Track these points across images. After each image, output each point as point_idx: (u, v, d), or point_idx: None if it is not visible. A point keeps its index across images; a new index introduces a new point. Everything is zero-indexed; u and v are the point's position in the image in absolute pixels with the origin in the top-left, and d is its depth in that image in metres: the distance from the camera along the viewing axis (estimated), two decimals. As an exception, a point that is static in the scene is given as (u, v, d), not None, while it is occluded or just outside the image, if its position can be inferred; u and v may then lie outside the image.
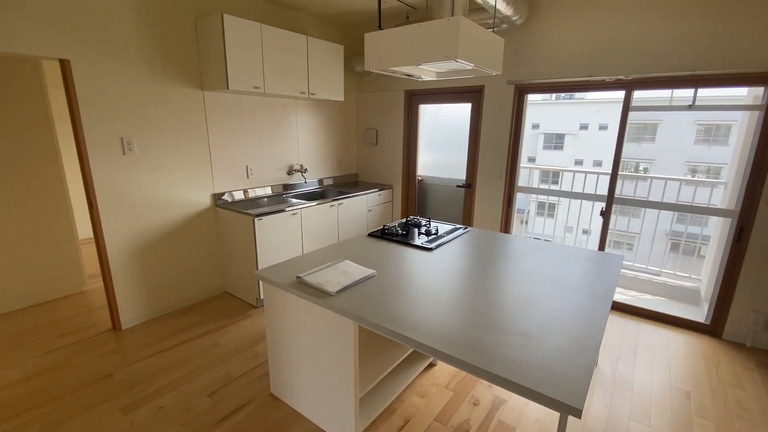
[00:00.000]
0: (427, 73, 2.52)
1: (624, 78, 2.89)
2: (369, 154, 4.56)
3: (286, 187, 3.86)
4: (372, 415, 1.95)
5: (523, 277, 1.94)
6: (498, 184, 3.65)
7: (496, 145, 3.59)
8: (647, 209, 3.93)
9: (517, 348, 1.34)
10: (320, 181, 4.23)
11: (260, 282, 3.09)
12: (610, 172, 3.13)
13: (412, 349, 2.21)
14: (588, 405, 2.13)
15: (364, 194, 3.97)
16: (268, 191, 3.69)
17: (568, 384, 1.16)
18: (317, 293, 1.74)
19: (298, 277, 1.89)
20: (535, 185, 5.63)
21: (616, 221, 4.30)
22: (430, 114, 4.13)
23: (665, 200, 3.34)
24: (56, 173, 3.23)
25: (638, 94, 2.98)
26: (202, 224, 3.23)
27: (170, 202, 2.98)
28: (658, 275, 3.67)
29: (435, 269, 2.03)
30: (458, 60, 1.79)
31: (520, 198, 3.79)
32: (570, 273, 2.01)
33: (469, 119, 3.80)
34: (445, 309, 1.60)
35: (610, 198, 3.16)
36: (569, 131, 18.72)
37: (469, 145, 3.85)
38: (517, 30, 3.28)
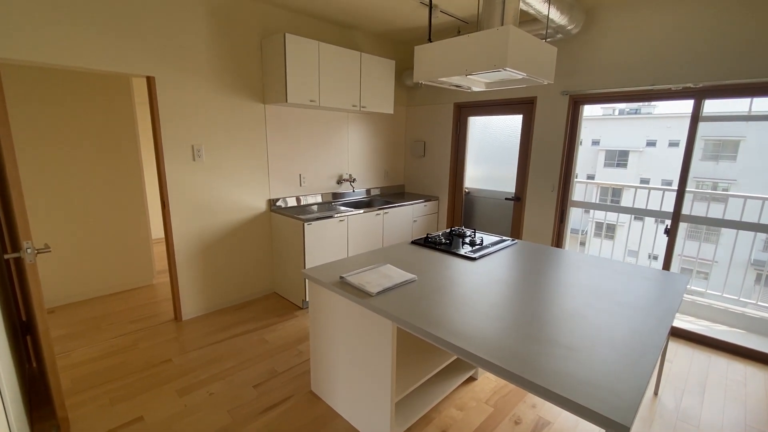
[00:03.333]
0: (477, 83, 2.53)
1: (692, 86, 2.69)
2: (416, 166, 4.62)
3: (335, 195, 4.01)
4: (408, 421, 1.94)
5: (572, 291, 1.85)
6: (550, 198, 3.52)
7: (549, 158, 3.48)
8: (723, 229, 3.56)
9: (562, 360, 1.29)
10: (368, 191, 4.35)
11: (306, 283, 3.22)
12: (677, 186, 2.89)
13: (452, 359, 2.18)
14: (645, 437, 1.95)
15: (410, 205, 4.01)
16: (319, 199, 3.86)
17: (617, 401, 1.09)
18: (358, 293, 1.79)
19: (341, 277, 1.96)
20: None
21: (684, 246, 3.91)
22: (479, 126, 4.11)
23: (744, 220, 3.01)
24: (137, 177, 3.63)
25: (711, 105, 2.75)
26: (258, 228, 3.45)
27: (230, 205, 3.23)
28: (737, 304, 3.28)
29: (478, 278, 2.00)
30: (507, 69, 1.79)
31: (575, 216, 3.62)
32: (626, 289, 1.89)
33: (519, 131, 3.72)
34: (488, 318, 1.57)
35: (677, 214, 2.92)
36: (634, 148, 17.45)
37: (519, 157, 3.76)
38: (572, 39, 3.20)
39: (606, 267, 2.22)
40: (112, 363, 2.50)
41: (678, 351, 2.77)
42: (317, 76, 3.17)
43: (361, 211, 3.52)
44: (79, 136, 3.26)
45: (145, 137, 4.88)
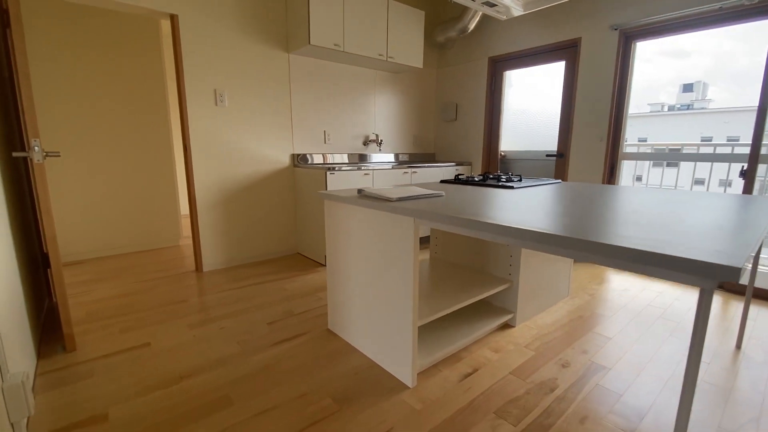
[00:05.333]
0: (513, 1, 2.29)
1: (774, -4, 2.29)
2: (447, 131, 4.37)
3: (362, 157, 3.84)
4: (432, 355, 1.68)
5: (638, 208, 1.55)
6: (597, 151, 3.16)
7: (596, 106, 3.13)
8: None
9: (642, 231, 1.01)
10: (396, 156, 4.15)
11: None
12: (756, 114, 2.47)
13: (482, 296, 1.90)
14: (734, 386, 1.58)
15: (440, 166, 3.77)
16: (345, 158, 3.70)
17: (718, 253, 0.81)
18: (378, 203, 1.58)
19: (359, 191, 1.76)
20: (645, 175, 4.79)
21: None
22: (516, 81, 3.81)
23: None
24: (166, 136, 3.65)
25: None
26: (280, 183, 3.33)
27: (252, 156, 3.13)
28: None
29: (518, 201, 1.73)
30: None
31: (626, 175, 3.22)
32: (701, 213, 1.55)
33: (562, 81, 3.40)
34: (538, 214, 1.31)
35: (755, 151, 2.48)
36: (687, 147, 16.10)
37: (561, 110, 3.43)
38: (623, -32, 2.87)
39: (674, 197, 1.88)
40: (128, 301, 2.43)
41: (760, 312, 2.32)
42: (342, 18, 3.04)
43: (389, 166, 3.32)
44: (108, 84, 3.31)
45: (172, 85, 4.98)
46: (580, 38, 3.15)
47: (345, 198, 1.74)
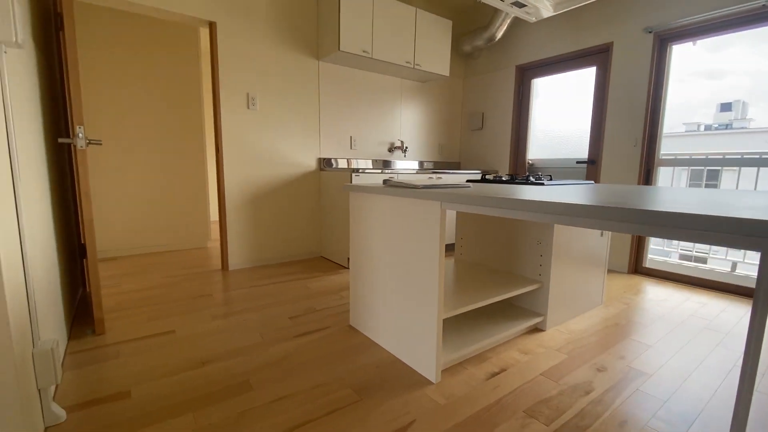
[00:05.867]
0: (543, 1, 2.28)
1: (824, -9, 2.19)
2: (473, 139, 4.34)
3: (386, 163, 3.86)
4: (457, 352, 1.61)
5: (686, 198, 1.46)
6: (631, 156, 3.04)
7: (629, 112, 3.03)
8: None
9: (696, 209, 0.95)
10: (420, 164, 4.14)
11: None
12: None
13: (511, 294, 1.82)
14: (791, 398, 1.42)
15: (465, 173, 3.72)
16: (369, 164, 3.73)
17: (771, 216, 0.74)
18: (404, 190, 1.56)
19: (385, 181, 1.75)
20: (684, 184, 4.56)
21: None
22: (544, 88, 3.76)
23: None
24: (200, 146, 3.80)
25: None
26: (306, 186, 3.38)
27: (280, 158, 3.20)
28: None
29: (551, 192, 1.68)
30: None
31: (664, 179, 3.08)
32: (755, 199, 1.45)
33: (593, 87, 3.33)
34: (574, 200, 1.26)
35: (808, 156, 2.31)
36: (727, 166, 15.33)
37: (592, 116, 3.35)
38: (656, -29, 2.82)
39: (733, 192, 1.76)
40: (156, 293, 2.48)
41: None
42: (371, 26, 3.12)
43: (414, 170, 3.31)
44: (148, 85, 3.50)
45: (207, 88, 5.21)
46: (612, 43, 3.09)
47: (371, 188, 1.74)
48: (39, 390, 1.19)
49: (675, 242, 3.25)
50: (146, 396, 1.38)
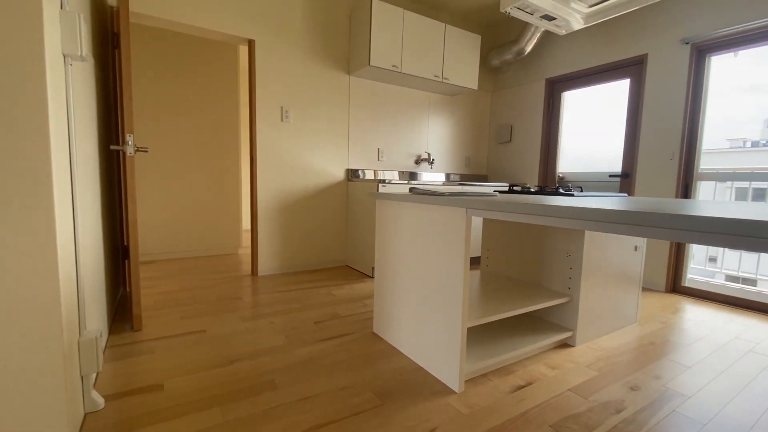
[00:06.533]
0: (574, 14, 2.29)
1: None
2: (501, 152, 4.31)
3: (412, 175, 3.89)
4: (482, 362, 1.59)
5: (732, 209, 1.40)
6: (668, 170, 2.93)
7: (665, 124, 2.94)
8: None
9: (743, 216, 0.92)
10: (447, 176, 4.15)
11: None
12: None
13: (538, 306, 1.78)
14: None
15: (494, 185, 3.69)
16: (396, 176, 3.77)
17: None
18: (430, 197, 1.58)
19: (411, 189, 1.78)
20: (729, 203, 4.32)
21: None
22: (575, 101, 3.71)
23: None
24: (235, 162, 3.99)
25: None
26: (334, 196, 3.46)
27: (310, 169, 3.30)
28: None
29: (582, 202, 1.65)
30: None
31: (705, 191, 2.94)
32: (798, 203, 1.37)
33: (626, 99, 3.25)
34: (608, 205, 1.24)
35: None
36: (778, 181, 14.31)
37: (626, 129, 3.26)
38: (693, -18, 2.76)
39: None
40: (189, 294, 2.59)
41: None
42: (400, 42, 3.20)
43: (440, 182, 3.33)
44: (189, 98, 3.72)
45: (243, 102, 5.45)
46: (647, 54, 3.02)
47: (397, 195, 1.77)
48: (82, 377, 1.28)
49: (719, 262, 3.07)
50: (178, 389, 1.44)
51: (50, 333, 1.04)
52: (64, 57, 1.19)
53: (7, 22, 0.93)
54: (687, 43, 2.79)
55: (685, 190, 2.90)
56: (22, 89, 0.96)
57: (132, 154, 1.86)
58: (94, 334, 1.30)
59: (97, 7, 1.93)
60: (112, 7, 2.38)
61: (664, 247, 2.99)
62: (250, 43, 2.96)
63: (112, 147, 1.83)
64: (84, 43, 1.21)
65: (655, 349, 1.92)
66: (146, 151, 2.01)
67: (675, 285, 2.99)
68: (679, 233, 0.81)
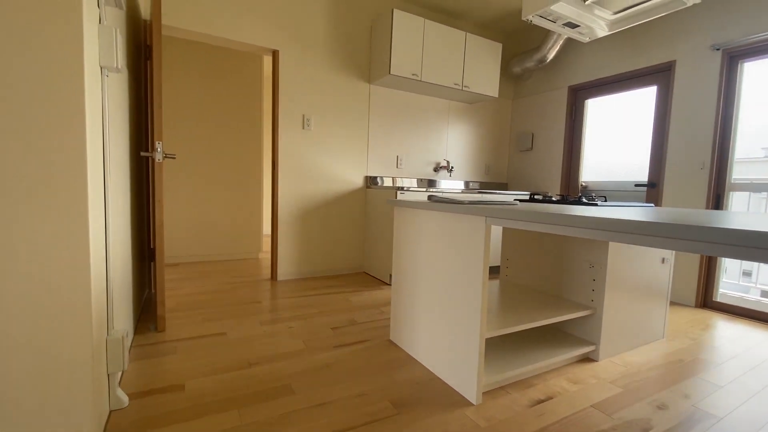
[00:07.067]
0: (598, 21, 2.25)
1: None
2: (521, 160, 4.25)
3: (431, 182, 3.88)
4: (500, 374, 1.56)
5: None
6: (698, 180, 2.83)
7: (695, 132, 2.84)
8: None
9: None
10: (466, 184, 4.12)
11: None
12: None
13: (560, 318, 1.74)
14: None
15: (514, 193, 3.64)
16: (414, 183, 3.77)
17: None
18: (449, 205, 1.58)
19: (430, 197, 1.78)
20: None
21: None
22: (598, 108, 3.63)
23: None
24: (257, 170, 4.08)
25: None
26: (353, 203, 3.49)
27: (330, 176, 3.35)
28: None
29: (606, 213, 1.61)
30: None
31: (739, 202, 2.81)
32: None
33: (653, 107, 3.17)
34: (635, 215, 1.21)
35: None
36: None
37: (653, 137, 3.17)
38: (724, -13, 2.68)
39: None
40: (210, 297, 2.65)
41: None
42: (421, 51, 3.22)
43: (459, 190, 3.31)
44: (216, 107, 3.84)
45: (265, 110, 5.57)
46: (675, 61, 2.94)
47: (415, 203, 1.77)
48: (108, 375, 1.32)
49: (754, 276, 2.92)
50: (198, 390, 1.48)
51: (81, 331, 1.08)
52: (101, 69, 1.26)
53: (51, 36, 0.99)
54: (717, 49, 2.70)
55: (717, 201, 2.79)
56: (62, 100, 1.02)
57: (160, 161, 1.94)
58: (121, 333, 1.34)
59: (131, 20, 2.03)
60: (145, 20, 2.49)
61: (693, 260, 2.87)
62: (275, 54, 3.04)
63: (142, 153, 1.90)
64: (120, 56, 1.27)
65: (683, 367, 1.84)
66: (174, 158, 2.09)
67: (705, 300, 2.86)
68: (710, 246, 0.78)
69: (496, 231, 3.49)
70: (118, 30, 1.25)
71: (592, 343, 1.88)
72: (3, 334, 1.00)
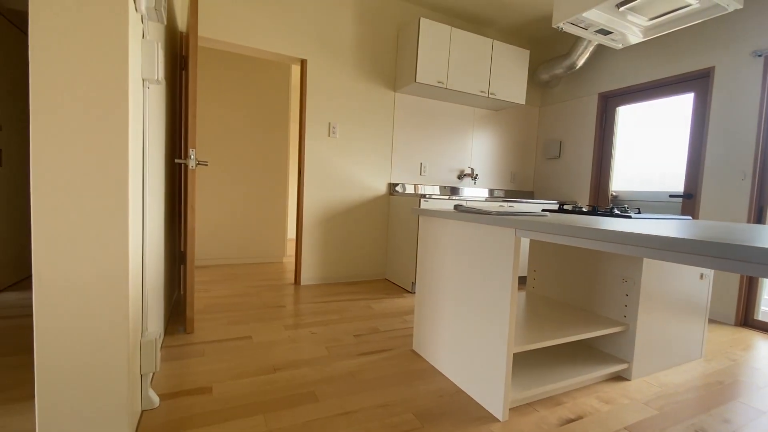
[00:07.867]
0: (631, 28, 2.19)
1: None
2: (548, 168, 4.16)
3: (454, 190, 3.85)
4: (527, 390, 1.51)
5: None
6: (739, 191, 2.69)
7: (735, 140, 2.71)
8: None
9: (792, 239, 0.83)
10: (491, 191, 4.07)
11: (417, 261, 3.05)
12: None
13: (591, 335, 1.68)
14: None
15: (540, 203, 3.57)
16: (437, 191, 3.75)
17: None
18: (476, 216, 1.56)
19: (456, 206, 1.76)
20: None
21: None
22: (630, 116, 3.52)
23: None
24: (283, 179, 4.16)
25: None
26: (376, 210, 3.50)
27: (354, 182, 3.37)
28: None
29: (641, 226, 1.56)
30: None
31: (780, 216, 2.66)
32: None
33: (689, 115, 3.04)
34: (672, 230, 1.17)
35: None
36: None
37: (689, 146, 3.04)
38: (769, -10, 2.56)
39: None
40: (237, 300, 2.71)
41: None
42: (447, 58, 3.22)
43: (483, 198, 3.27)
44: (245, 115, 3.94)
45: (292, 117, 5.67)
46: (713, 67, 2.82)
47: (441, 213, 1.76)
48: (141, 375, 1.36)
49: (799, 294, 2.74)
50: (225, 393, 1.50)
51: (118, 333, 1.13)
52: (143, 81, 1.32)
53: (98, 51, 1.05)
54: (759, 56, 2.57)
55: (759, 214, 2.64)
56: (107, 111, 1.07)
57: (193, 168, 2.00)
58: (154, 335, 1.39)
59: (169, 31, 2.12)
60: (181, 32, 2.60)
61: (733, 276, 2.73)
62: (303, 63, 3.11)
63: (177, 161, 1.97)
64: (160, 69, 1.32)
65: (723, 390, 1.74)
66: (206, 165, 2.15)
67: (746, 318, 2.71)
68: (753, 267, 0.74)
69: (524, 240, 3.41)
70: (159, 44, 1.31)
71: (624, 361, 1.81)
72: (52, 337, 1.05)
